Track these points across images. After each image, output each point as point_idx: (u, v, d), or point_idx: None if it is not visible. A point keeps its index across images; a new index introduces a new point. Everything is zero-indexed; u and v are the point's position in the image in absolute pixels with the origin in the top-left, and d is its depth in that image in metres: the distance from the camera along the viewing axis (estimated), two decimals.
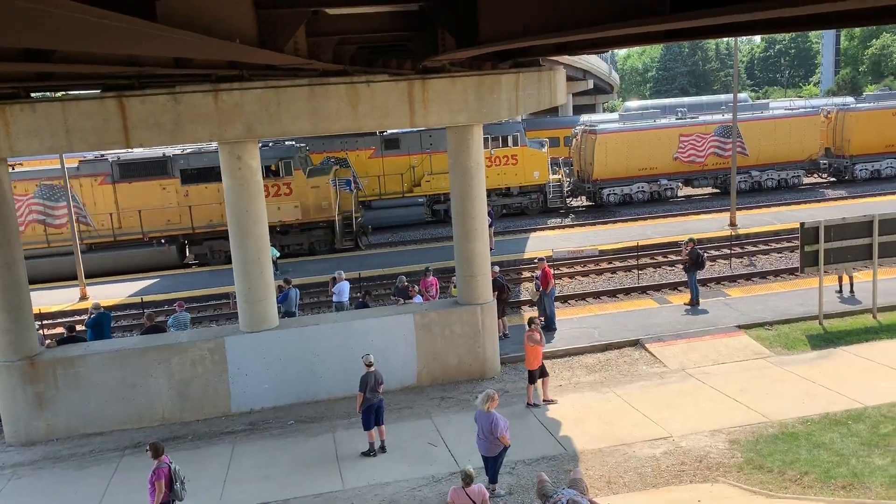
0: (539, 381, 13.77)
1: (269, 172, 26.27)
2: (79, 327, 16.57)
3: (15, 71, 7.52)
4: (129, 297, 23.33)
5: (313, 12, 8.66)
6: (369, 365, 12.09)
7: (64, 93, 13.67)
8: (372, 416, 12.15)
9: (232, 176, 13.91)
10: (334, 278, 18.98)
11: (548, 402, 13.72)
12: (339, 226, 28.08)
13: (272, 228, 24.93)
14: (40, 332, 16.85)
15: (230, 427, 13.85)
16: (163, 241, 27.29)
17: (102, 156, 27.34)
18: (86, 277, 24.16)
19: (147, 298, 22.33)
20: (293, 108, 13.56)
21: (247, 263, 14.15)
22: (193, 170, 27.14)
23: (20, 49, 5.31)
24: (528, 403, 13.68)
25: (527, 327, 13.76)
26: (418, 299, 17.39)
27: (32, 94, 13.12)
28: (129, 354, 14.05)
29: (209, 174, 26.46)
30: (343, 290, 18.65)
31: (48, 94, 14.49)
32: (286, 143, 28.70)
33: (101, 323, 15.95)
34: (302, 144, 29.85)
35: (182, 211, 27.18)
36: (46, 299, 22.90)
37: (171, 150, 27.59)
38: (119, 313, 22.01)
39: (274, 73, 12.59)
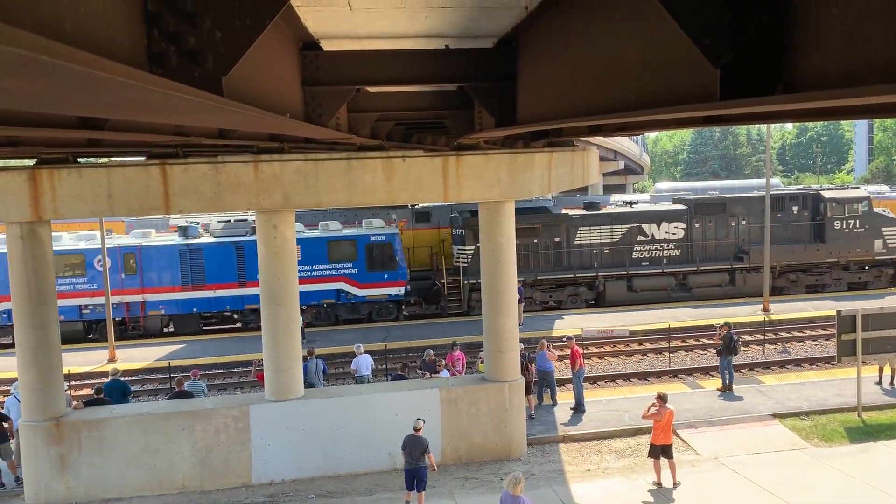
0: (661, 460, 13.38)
1: None
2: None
3: (68, 137, 7.79)
4: (156, 360, 23.42)
5: (356, 90, 8.94)
6: (416, 430, 12.28)
7: (108, 159, 14.11)
8: (412, 479, 12.29)
9: (267, 245, 14.09)
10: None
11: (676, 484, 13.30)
12: None
13: None
14: (68, 392, 16.89)
15: (250, 499, 13.59)
16: None
17: None
18: None
19: (174, 363, 22.39)
20: (330, 180, 13.83)
21: (277, 331, 14.17)
22: None
23: (77, 117, 5.52)
24: (674, 483, 13.27)
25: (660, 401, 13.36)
26: (445, 374, 17.19)
27: (79, 160, 13.56)
28: (154, 419, 13.99)
29: None
30: (362, 364, 18.37)
31: (92, 159, 14.98)
32: None
33: (114, 390, 15.85)
34: None
35: None
36: (76, 360, 23.06)
37: None
38: (145, 377, 22.07)
39: (313, 146, 12.92)
